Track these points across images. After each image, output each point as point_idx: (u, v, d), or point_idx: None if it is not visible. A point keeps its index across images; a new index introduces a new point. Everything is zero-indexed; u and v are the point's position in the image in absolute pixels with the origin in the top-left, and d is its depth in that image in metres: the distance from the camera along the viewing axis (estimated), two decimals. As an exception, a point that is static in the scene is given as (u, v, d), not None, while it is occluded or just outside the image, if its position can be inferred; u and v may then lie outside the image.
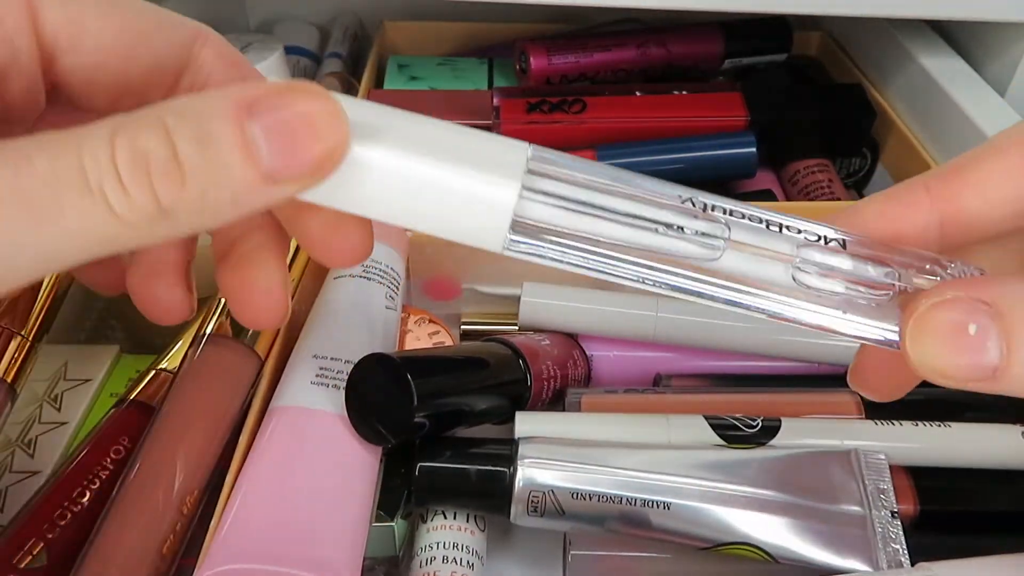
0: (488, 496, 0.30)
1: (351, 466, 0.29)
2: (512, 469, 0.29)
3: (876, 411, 0.33)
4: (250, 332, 0.33)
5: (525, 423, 0.32)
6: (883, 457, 0.29)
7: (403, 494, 0.30)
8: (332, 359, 0.32)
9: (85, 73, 0.20)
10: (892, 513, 0.28)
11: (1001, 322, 0.16)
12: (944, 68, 0.46)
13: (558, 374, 0.36)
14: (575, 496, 0.28)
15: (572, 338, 0.39)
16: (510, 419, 0.33)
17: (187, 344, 0.34)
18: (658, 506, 0.28)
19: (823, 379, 0.38)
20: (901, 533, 0.28)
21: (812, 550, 0.28)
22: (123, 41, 0.20)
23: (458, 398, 0.31)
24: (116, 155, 0.15)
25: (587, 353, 0.39)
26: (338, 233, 0.20)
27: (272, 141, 0.15)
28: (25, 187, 0.15)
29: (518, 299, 0.38)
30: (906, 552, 0.28)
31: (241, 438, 0.30)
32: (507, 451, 0.30)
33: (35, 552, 0.27)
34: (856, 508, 0.28)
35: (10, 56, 0.19)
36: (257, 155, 0.15)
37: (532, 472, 0.29)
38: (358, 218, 0.20)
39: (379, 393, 0.29)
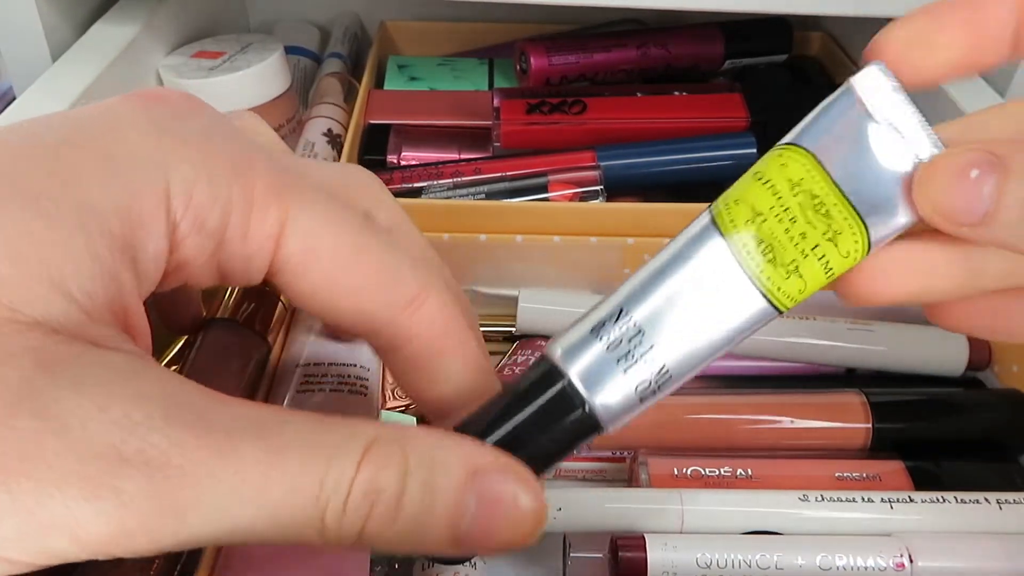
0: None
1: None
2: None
3: (879, 412, 0.34)
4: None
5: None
6: None
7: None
8: (315, 364, 0.32)
9: (300, 286, 0.20)
10: None
11: (1002, 172, 0.16)
12: (944, 68, 0.46)
13: None
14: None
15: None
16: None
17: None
18: None
19: (828, 380, 0.38)
20: None
21: None
22: (340, 282, 0.20)
23: None
24: (354, 485, 0.15)
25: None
26: None
27: (478, 516, 0.16)
28: (265, 481, 0.15)
29: (517, 300, 0.38)
30: None
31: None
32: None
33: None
34: None
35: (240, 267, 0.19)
36: (460, 521, 0.16)
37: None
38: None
39: None
